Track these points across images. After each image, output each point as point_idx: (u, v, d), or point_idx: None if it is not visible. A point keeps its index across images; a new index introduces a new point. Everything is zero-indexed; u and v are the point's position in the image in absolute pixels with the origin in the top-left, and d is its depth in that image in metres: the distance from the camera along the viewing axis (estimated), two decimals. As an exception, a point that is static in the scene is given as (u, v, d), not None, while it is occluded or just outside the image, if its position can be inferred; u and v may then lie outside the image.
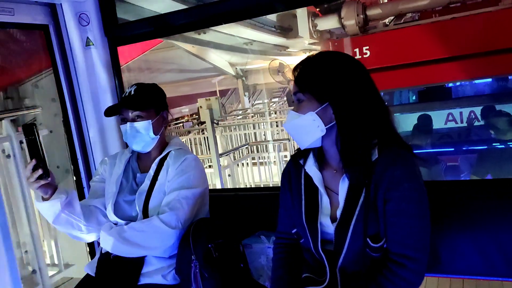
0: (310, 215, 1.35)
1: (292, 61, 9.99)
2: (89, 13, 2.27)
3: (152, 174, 1.79)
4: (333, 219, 1.31)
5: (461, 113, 5.21)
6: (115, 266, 1.68)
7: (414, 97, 5.49)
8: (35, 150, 1.50)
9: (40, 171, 1.50)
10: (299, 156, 1.42)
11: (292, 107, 1.34)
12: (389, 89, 5.07)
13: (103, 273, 1.70)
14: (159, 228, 1.63)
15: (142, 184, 1.78)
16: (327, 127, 1.27)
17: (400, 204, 1.23)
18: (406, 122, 5.52)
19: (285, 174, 1.49)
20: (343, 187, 1.30)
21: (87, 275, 1.80)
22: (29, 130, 1.49)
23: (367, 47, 4.93)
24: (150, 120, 1.76)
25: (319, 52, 1.33)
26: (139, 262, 1.68)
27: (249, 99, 12.60)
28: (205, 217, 1.85)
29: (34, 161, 1.50)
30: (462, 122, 5.23)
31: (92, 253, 2.57)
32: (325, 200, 1.34)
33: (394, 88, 4.99)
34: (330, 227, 1.31)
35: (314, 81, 1.26)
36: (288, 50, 8.36)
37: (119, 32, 2.34)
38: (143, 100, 1.76)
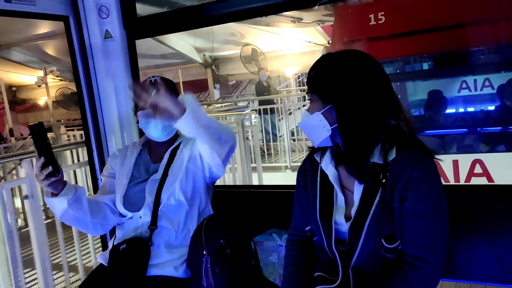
0: (324, 213, 1.34)
1: (268, 47, 9.10)
2: (109, 5, 2.28)
3: (165, 163, 1.80)
4: (347, 218, 1.30)
5: (475, 80, 5.10)
6: (124, 257, 1.69)
7: (428, 64, 5.30)
8: (43, 148, 1.52)
9: (50, 169, 1.52)
10: (316, 153, 1.42)
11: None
12: (403, 56, 4.88)
13: (115, 263, 1.71)
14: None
15: (155, 173, 1.80)
16: (332, 127, 1.28)
17: (417, 205, 1.21)
18: (421, 89, 5.44)
19: (301, 171, 1.48)
20: (358, 186, 1.28)
21: (101, 264, 1.82)
22: (37, 129, 1.51)
23: (382, 13, 4.79)
24: None
25: (336, 52, 1.31)
26: (146, 253, 1.69)
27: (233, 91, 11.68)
28: (216, 213, 1.85)
29: (43, 159, 1.52)
30: (476, 90, 5.12)
31: (104, 245, 2.59)
32: (340, 199, 1.33)
33: (408, 55, 4.80)
34: (344, 226, 1.30)
35: (320, 83, 1.28)
36: (302, 21, 7.41)
37: (138, 25, 2.35)
38: (170, 90, 1.77)
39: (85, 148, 2.54)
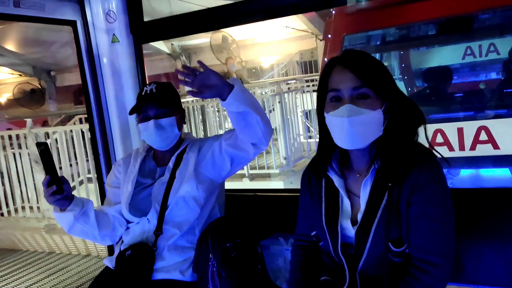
0: (330, 218, 1.32)
1: (242, 34, 8.25)
2: (116, 10, 2.31)
3: (172, 167, 1.80)
4: (354, 222, 1.29)
5: (480, 46, 4.98)
6: (129, 262, 1.70)
7: (433, 31, 5.21)
8: (49, 167, 1.57)
9: (54, 187, 1.57)
10: (322, 158, 1.39)
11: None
12: (408, 23, 4.69)
13: (120, 269, 1.71)
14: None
15: (162, 177, 1.80)
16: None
17: (424, 208, 1.19)
18: (425, 57, 5.38)
19: (305, 176, 1.46)
20: (365, 190, 1.27)
21: (106, 267, 1.82)
22: (43, 148, 1.55)
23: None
24: (175, 117, 1.78)
25: (355, 49, 1.30)
26: (151, 258, 1.69)
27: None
28: (223, 216, 1.85)
29: (48, 177, 1.57)
30: (481, 56, 5.02)
31: (110, 250, 2.59)
32: (346, 203, 1.32)
33: (413, 21, 4.66)
34: (350, 230, 1.28)
35: (381, 79, 1.22)
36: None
37: (144, 29, 2.37)
38: (167, 97, 1.78)
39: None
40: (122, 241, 1.84)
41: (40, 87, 9.48)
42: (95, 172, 2.57)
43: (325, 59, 4.86)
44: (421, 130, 1.29)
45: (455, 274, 1.53)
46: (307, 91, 7.05)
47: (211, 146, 1.80)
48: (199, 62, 1.52)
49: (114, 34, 2.34)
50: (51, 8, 2.16)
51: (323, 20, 8.70)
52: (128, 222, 1.83)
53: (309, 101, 6.52)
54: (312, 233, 1.45)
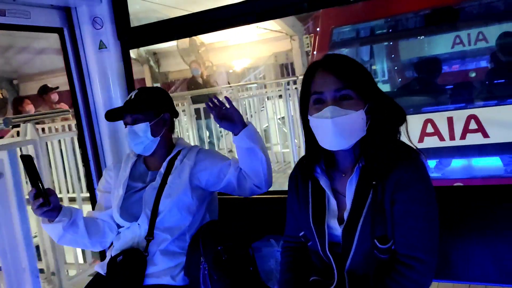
0: (317, 218, 1.34)
1: (212, 37, 7.84)
2: (103, 17, 2.30)
3: (163, 172, 1.81)
4: (340, 221, 1.30)
5: (469, 34, 5.02)
6: (120, 268, 1.70)
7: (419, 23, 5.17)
8: (34, 179, 1.56)
9: (40, 200, 1.56)
10: (308, 160, 1.41)
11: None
12: (396, 14, 4.73)
13: (112, 275, 1.71)
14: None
15: (153, 181, 1.80)
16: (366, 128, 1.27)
17: (408, 206, 1.21)
18: (414, 48, 5.35)
19: (292, 177, 1.48)
20: (350, 189, 1.29)
21: (98, 273, 1.82)
22: (27, 161, 1.55)
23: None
24: (148, 123, 1.78)
25: (338, 53, 1.33)
26: (142, 263, 1.69)
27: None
28: (214, 220, 1.85)
29: (34, 190, 1.56)
30: (470, 44, 5.04)
31: (102, 255, 2.58)
32: (332, 203, 1.33)
33: (399, 13, 4.66)
34: (337, 229, 1.30)
35: (362, 81, 1.25)
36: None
37: (132, 35, 2.37)
38: (141, 103, 1.79)
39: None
40: (113, 246, 1.84)
41: (1, 96, 8.67)
42: (85, 179, 2.56)
43: (314, 53, 4.84)
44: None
45: (443, 271, 1.54)
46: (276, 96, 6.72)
47: (215, 165, 1.80)
48: (226, 98, 1.73)
49: (101, 40, 2.33)
50: (37, 16, 2.15)
51: (298, 20, 8.50)
52: (119, 227, 1.83)
53: (292, 106, 6.13)
54: (301, 234, 1.46)
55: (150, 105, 1.81)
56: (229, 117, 1.69)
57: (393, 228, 1.23)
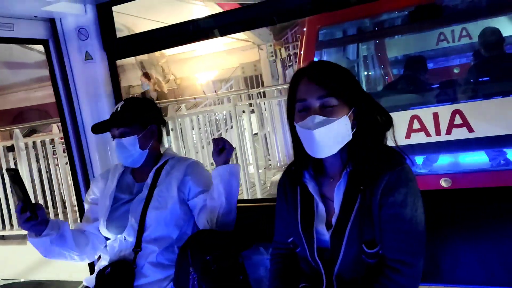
0: (305, 223, 1.34)
1: (172, 49, 6.70)
2: (88, 27, 2.29)
3: (150, 183, 1.80)
4: (328, 226, 1.31)
5: (452, 31, 5.08)
6: (109, 281, 1.69)
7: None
8: (20, 194, 1.55)
9: (28, 214, 1.55)
10: (296, 166, 1.42)
11: None
12: (381, 12, 4.69)
13: (100, 286, 1.69)
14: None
15: (140, 193, 1.79)
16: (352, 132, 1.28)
17: (395, 209, 1.22)
18: (400, 45, 5.41)
19: (281, 184, 1.49)
20: (338, 193, 1.30)
21: (86, 287, 1.80)
22: (13, 175, 1.54)
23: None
24: (136, 136, 1.78)
25: (324, 60, 1.36)
26: (131, 276, 1.68)
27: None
28: (202, 229, 1.84)
29: (21, 204, 1.55)
30: (454, 41, 5.12)
31: (91, 269, 2.55)
32: (320, 208, 1.34)
33: (382, 12, 4.66)
34: (326, 235, 1.30)
35: (345, 87, 1.26)
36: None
37: (118, 46, 2.36)
38: (127, 116, 1.79)
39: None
40: (101, 259, 1.83)
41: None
42: (74, 191, 2.54)
43: (301, 52, 4.84)
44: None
45: (431, 275, 1.55)
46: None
47: (198, 185, 1.80)
48: (230, 145, 1.73)
49: (87, 52, 2.32)
50: (20, 28, 2.13)
51: (267, 28, 7.89)
52: (107, 239, 1.81)
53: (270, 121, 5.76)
54: (289, 240, 1.46)
55: (137, 117, 1.80)
56: (221, 155, 1.72)
57: (381, 232, 1.25)
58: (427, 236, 1.27)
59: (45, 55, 2.35)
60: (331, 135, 1.24)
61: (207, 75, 9.05)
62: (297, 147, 1.36)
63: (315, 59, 4.74)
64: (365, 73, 5.64)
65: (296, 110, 1.30)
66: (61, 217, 4.69)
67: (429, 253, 1.29)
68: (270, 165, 5.85)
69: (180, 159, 1.89)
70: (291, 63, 9.36)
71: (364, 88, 5.40)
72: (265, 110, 5.85)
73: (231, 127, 6.15)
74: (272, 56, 8.27)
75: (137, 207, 1.75)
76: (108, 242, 1.81)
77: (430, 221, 1.28)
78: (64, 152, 4.66)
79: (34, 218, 1.57)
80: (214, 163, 1.77)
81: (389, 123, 1.32)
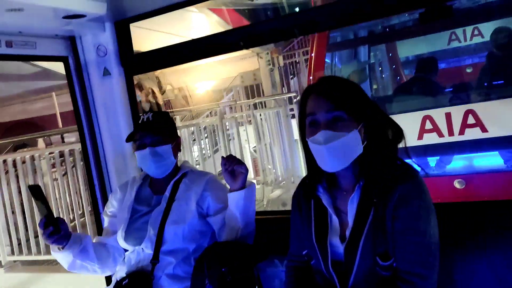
0: (320, 235, 1.36)
1: None
2: (107, 44, 2.36)
3: (168, 195, 1.82)
4: (342, 239, 1.32)
5: (464, 30, 5.03)
6: None
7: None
8: (44, 209, 1.60)
9: (51, 228, 1.60)
10: (310, 179, 1.44)
11: None
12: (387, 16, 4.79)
13: None
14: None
15: (158, 205, 1.82)
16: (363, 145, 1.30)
17: (408, 222, 1.23)
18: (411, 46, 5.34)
19: (295, 196, 1.51)
20: (351, 206, 1.31)
21: None
22: (36, 191, 1.60)
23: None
24: (170, 145, 1.81)
25: (333, 76, 1.38)
26: (148, 286, 1.70)
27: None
28: (218, 241, 1.86)
29: (44, 219, 1.60)
30: (466, 40, 5.08)
31: (108, 280, 2.58)
32: (334, 220, 1.36)
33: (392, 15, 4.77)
34: (339, 247, 1.32)
35: (354, 101, 1.28)
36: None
37: (135, 62, 2.42)
38: (162, 125, 1.82)
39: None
40: (118, 271, 1.85)
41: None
42: (91, 203, 2.59)
43: (312, 55, 4.83)
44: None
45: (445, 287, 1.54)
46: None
47: (218, 202, 1.80)
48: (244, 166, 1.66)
49: (105, 67, 2.39)
50: (42, 46, 2.21)
51: None
52: (126, 251, 1.84)
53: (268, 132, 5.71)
54: (304, 252, 1.48)
55: (168, 128, 1.84)
56: (235, 176, 1.66)
57: (394, 245, 1.25)
58: (440, 248, 1.27)
59: (33, 66, 2.39)
60: (342, 150, 1.27)
61: (206, 85, 8.83)
62: (310, 161, 1.38)
63: (327, 60, 4.76)
64: (376, 74, 5.62)
65: (307, 125, 1.33)
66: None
67: (443, 266, 1.29)
68: (271, 180, 5.73)
69: (199, 173, 1.91)
70: (293, 72, 9.01)
71: (376, 88, 5.41)
72: (264, 121, 5.74)
73: (232, 139, 6.12)
74: (270, 64, 8.00)
75: (156, 220, 1.78)
76: (126, 253, 1.84)
77: (443, 233, 1.29)
78: (53, 167, 4.48)
79: (57, 232, 1.61)
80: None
81: (399, 136, 1.33)
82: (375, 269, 1.25)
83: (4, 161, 4.55)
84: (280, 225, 2.03)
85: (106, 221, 1.96)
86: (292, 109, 6.17)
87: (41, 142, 4.75)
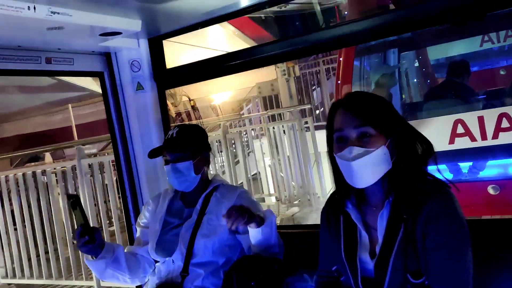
0: (349, 252, 1.35)
1: None
2: (140, 60, 2.44)
3: (199, 208, 1.85)
4: (372, 255, 1.31)
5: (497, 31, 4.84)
6: None
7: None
8: (81, 218, 1.66)
9: (86, 238, 1.65)
10: (338, 194, 1.43)
11: None
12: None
13: None
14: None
15: (189, 218, 1.84)
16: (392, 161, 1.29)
17: (440, 238, 1.21)
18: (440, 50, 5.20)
19: (324, 212, 1.51)
20: (381, 222, 1.30)
21: None
22: (73, 200, 1.65)
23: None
24: (191, 161, 1.84)
25: (360, 91, 1.38)
26: None
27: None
28: (247, 255, 1.87)
29: (80, 228, 1.66)
30: (499, 41, 4.91)
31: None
32: (364, 236, 1.35)
33: None
34: (369, 264, 1.30)
35: (381, 117, 1.28)
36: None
37: (167, 76, 2.49)
38: (184, 142, 1.85)
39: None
40: (149, 281, 1.88)
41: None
42: (124, 215, 2.64)
43: (340, 59, 4.80)
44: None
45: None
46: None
47: None
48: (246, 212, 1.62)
49: (138, 82, 2.46)
50: (79, 62, 2.30)
51: None
52: (156, 261, 1.88)
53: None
54: (333, 268, 1.46)
55: (192, 144, 1.87)
56: (252, 222, 1.64)
57: (426, 262, 1.23)
58: (474, 265, 1.24)
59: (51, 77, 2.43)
60: (370, 166, 1.26)
61: (222, 96, 8.66)
62: (338, 176, 1.38)
63: (356, 63, 4.71)
64: (406, 78, 5.52)
65: (334, 141, 1.32)
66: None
67: (477, 282, 1.25)
68: (286, 196, 5.47)
69: (230, 187, 1.93)
70: (314, 83, 8.57)
71: (406, 93, 5.31)
72: (278, 135, 5.48)
73: (249, 153, 6.03)
74: (285, 74, 7.78)
75: (186, 232, 1.80)
76: (156, 264, 1.87)
77: (477, 249, 1.25)
78: (57, 183, 4.28)
79: (91, 242, 1.66)
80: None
81: (429, 151, 1.31)
82: (406, 286, 1.23)
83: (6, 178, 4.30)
84: (310, 239, 2.02)
85: (138, 231, 2.00)
86: (306, 122, 5.73)
87: (48, 157, 4.62)
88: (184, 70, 2.46)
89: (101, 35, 2.08)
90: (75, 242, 1.70)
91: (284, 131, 5.46)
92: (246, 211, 1.58)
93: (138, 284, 1.94)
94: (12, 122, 8.61)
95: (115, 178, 3.83)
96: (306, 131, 5.65)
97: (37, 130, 8.52)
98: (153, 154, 1.90)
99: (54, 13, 1.73)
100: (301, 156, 5.46)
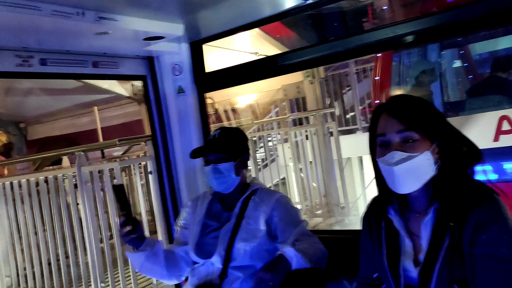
0: (391, 259, 1.31)
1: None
2: (182, 64, 2.49)
3: (238, 212, 1.86)
4: (416, 263, 1.27)
5: None
6: None
7: None
8: (124, 207, 1.69)
9: (129, 227, 1.68)
10: (380, 200, 1.40)
11: None
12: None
13: None
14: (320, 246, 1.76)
15: (228, 222, 1.85)
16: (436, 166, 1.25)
17: (488, 248, 1.16)
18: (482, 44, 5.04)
19: (365, 217, 1.48)
20: (425, 230, 1.26)
21: None
22: (119, 191, 1.69)
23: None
24: (233, 162, 1.85)
25: (404, 94, 1.34)
26: None
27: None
28: None
29: (123, 218, 1.69)
30: None
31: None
32: (407, 244, 1.31)
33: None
34: (413, 272, 1.27)
35: (426, 121, 1.25)
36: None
37: (207, 80, 2.52)
38: (226, 143, 1.87)
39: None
40: (187, 281, 1.91)
41: (5, 141, 8.00)
42: (163, 214, 2.70)
43: (377, 55, 4.72)
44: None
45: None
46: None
47: (286, 225, 1.80)
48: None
49: (180, 86, 2.51)
50: (124, 66, 2.38)
51: None
52: (194, 263, 1.90)
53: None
54: (375, 275, 1.43)
55: (233, 145, 1.88)
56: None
57: (473, 272, 1.18)
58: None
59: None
60: (413, 171, 1.23)
61: (246, 98, 8.34)
62: (381, 182, 1.34)
63: (394, 60, 4.60)
64: (448, 74, 5.33)
65: (377, 145, 1.29)
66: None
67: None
68: (307, 206, 5.20)
69: (268, 191, 1.92)
70: (343, 85, 7.86)
71: (447, 89, 5.14)
72: (300, 140, 5.21)
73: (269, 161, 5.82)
74: (308, 76, 7.37)
75: (225, 236, 1.81)
76: (195, 265, 1.89)
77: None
78: (75, 187, 3.45)
79: (134, 232, 1.69)
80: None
81: (476, 156, 1.26)
82: None
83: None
84: (350, 244, 1.99)
85: (177, 232, 2.03)
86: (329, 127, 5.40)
87: (66, 160, 4.25)
88: (222, 74, 2.49)
89: (144, 39, 2.14)
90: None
91: (306, 136, 5.25)
92: (270, 279, 1.52)
93: (175, 282, 1.96)
94: (40, 124, 8.71)
95: (142, 182, 3.64)
96: (331, 135, 5.39)
97: (64, 132, 8.58)
98: (195, 154, 1.91)
99: (101, 18, 1.79)
100: (323, 163, 5.18)
